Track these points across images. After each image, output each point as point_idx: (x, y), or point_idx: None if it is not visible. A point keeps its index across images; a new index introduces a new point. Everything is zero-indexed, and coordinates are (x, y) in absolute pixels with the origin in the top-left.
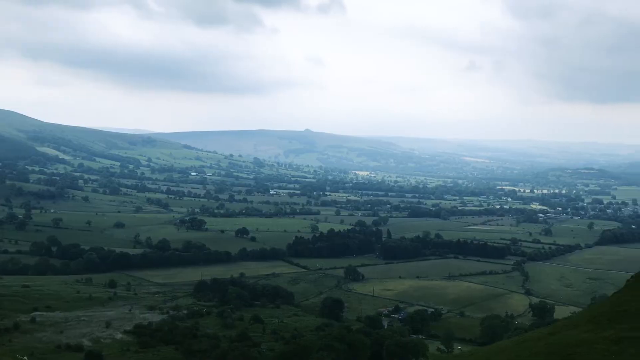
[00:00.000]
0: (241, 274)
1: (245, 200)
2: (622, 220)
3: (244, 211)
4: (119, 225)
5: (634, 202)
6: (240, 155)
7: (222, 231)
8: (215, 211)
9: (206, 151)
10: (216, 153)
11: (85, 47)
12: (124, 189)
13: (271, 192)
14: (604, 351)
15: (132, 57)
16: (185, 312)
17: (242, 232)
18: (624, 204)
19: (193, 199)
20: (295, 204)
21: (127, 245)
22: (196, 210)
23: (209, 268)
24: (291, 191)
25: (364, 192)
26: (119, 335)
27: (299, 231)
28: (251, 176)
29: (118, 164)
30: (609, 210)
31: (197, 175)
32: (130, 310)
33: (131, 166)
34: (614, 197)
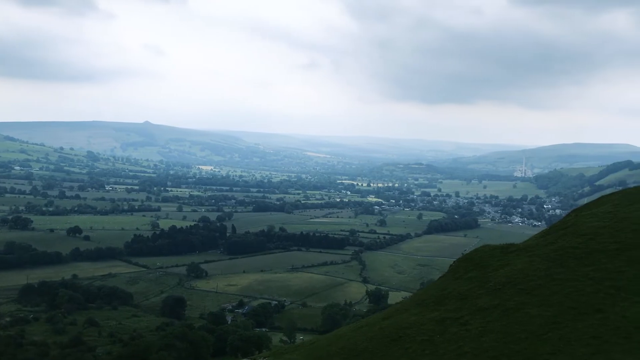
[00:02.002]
0: (74, 275)
1: (77, 196)
2: (447, 211)
3: (76, 208)
4: None
5: (457, 194)
6: (72, 149)
7: (52, 230)
8: (44, 209)
9: (32, 144)
10: (44, 146)
11: None
12: None
13: (107, 188)
14: (430, 331)
15: None
16: (8, 319)
17: (74, 230)
18: (448, 196)
19: (17, 195)
20: (133, 200)
21: None
22: (21, 208)
23: (36, 270)
24: (129, 187)
25: (207, 187)
26: None
27: (137, 229)
28: (84, 171)
29: None
30: (435, 202)
31: (21, 170)
32: None
33: None
34: (439, 190)
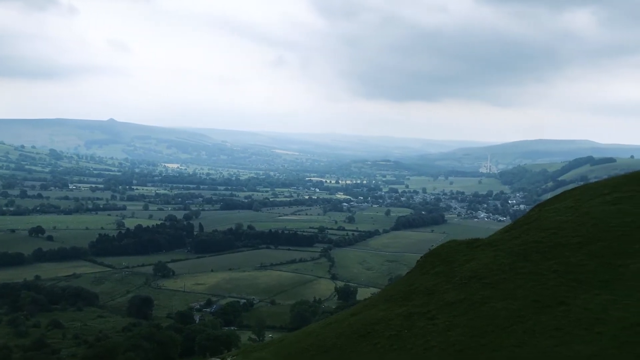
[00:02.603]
0: (36, 276)
1: (40, 196)
2: (414, 207)
3: (38, 208)
4: None
5: (424, 190)
6: (33, 147)
7: (13, 230)
8: (4, 209)
9: None
10: (4, 144)
11: None
12: None
13: (71, 187)
14: (397, 326)
15: None
16: None
17: (36, 230)
18: (415, 192)
19: None
20: (98, 199)
21: None
22: None
23: None
24: (94, 185)
25: (174, 185)
26: None
27: (103, 228)
28: (47, 169)
29: None
30: (403, 198)
31: None
32: None
33: None
34: (407, 186)
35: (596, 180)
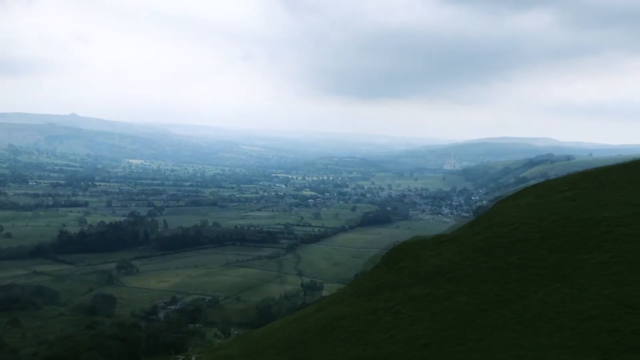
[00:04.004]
0: None
1: None
2: (380, 204)
3: None
4: None
5: (389, 187)
6: None
7: None
8: None
9: None
10: None
11: None
12: None
13: (30, 183)
14: (363, 321)
15: None
16: None
17: None
18: (381, 189)
19: None
20: (60, 195)
21: None
22: None
23: None
24: (55, 181)
25: (138, 181)
26: None
27: (64, 225)
28: (5, 165)
29: None
30: (368, 195)
31: None
32: None
33: None
34: (373, 183)
35: (556, 177)
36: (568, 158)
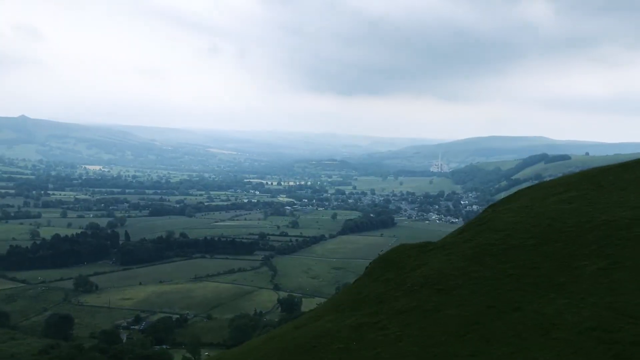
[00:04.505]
0: None
1: None
2: (362, 210)
3: None
4: None
5: (372, 191)
6: None
7: None
8: None
9: None
10: None
11: None
12: None
13: None
14: (346, 339)
15: None
16: None
17: None
18: (364, 193)
19: None
20: (9, 206)
21: None
22: None
23: None
24: (3, 191)
25: (96, 189)
26: None
27: (14, 239)
28: None
29: None
30: (350, 200)
31: None
32: None
33: None
34: (354, 188)
35: (551, 178)
36: (563, 157)
